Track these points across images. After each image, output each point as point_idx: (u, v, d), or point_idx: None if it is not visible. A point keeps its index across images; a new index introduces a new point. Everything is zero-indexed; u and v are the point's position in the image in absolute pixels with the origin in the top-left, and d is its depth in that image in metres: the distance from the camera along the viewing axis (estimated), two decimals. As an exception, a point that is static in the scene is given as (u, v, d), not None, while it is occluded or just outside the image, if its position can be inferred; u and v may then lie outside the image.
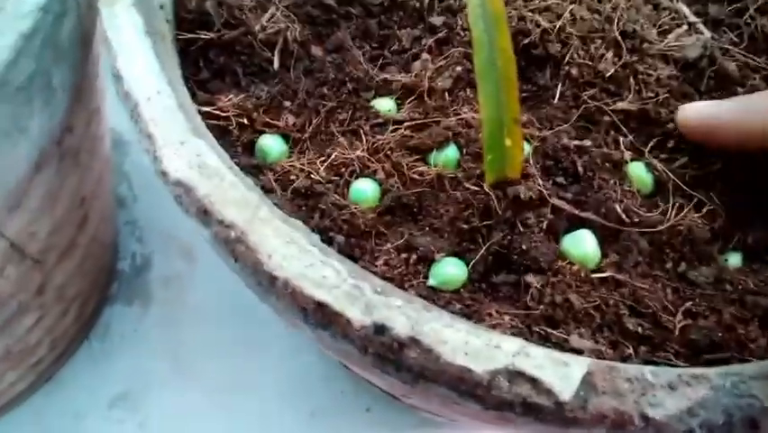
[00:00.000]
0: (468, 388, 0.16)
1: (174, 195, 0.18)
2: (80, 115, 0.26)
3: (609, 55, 0.22)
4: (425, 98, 0.22)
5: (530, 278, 0.19)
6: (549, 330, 0.17)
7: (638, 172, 0.21)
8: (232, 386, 0.38)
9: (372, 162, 0.21)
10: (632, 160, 0.22)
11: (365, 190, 0.20)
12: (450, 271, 0.19)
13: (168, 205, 0.46)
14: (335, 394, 0.39)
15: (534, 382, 0.15)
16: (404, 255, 0.19)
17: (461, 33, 0.23)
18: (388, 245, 0.19)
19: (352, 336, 0.16)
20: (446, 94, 0.22)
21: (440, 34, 0.23)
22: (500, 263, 0.19)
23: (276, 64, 0.22)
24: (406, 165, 0.21)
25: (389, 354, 0.16)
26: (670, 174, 0.21)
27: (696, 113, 0.21)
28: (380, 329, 0.16)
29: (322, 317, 0.16)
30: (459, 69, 0.22)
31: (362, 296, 0.16)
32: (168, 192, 0.45)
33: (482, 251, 0.19)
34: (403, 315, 0.16)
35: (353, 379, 0.39)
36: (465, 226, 0.20)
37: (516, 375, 0.15)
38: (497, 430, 0.24)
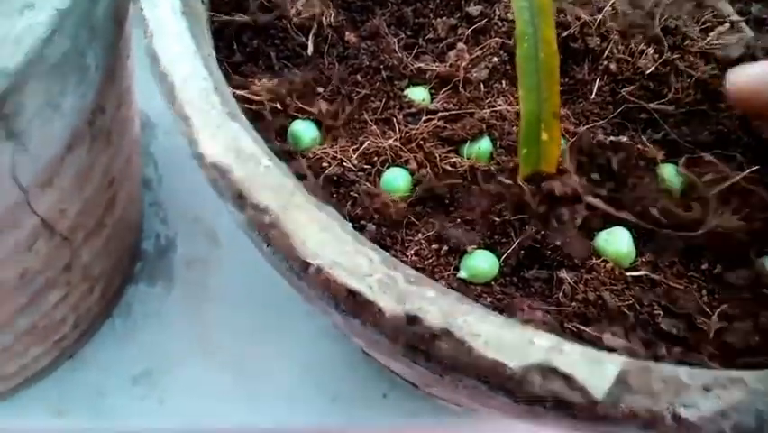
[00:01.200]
0: (499, 382, 0.15)
1: (209, 178, 0.18)
2: (112, 96, 0.26)
3: (650, 51, 0.21)
4: (460, 89, 0.22)
5: (563, 274, 0.18)
6: (582, 327, 0.17)
7: (673, 173, 0.21)
8: (252, 368, 0.38)
9: (404, 152, 0.21)
10: (667, 160, 0.21)
11: (397, 180, 0.20)
12: (481, 263, 0.19)
13: (193, 188, 0.46)
14: (355, 380, 0.39)
15: (567, 378, 0.15)
16: (435, 246, 0.19)
17: (499, 24, 0.23)
18: (420, 236, 0.19)
19: (383, 325, 0.16)
20: (482, 85, 0.22)
21: (477, 24, 0.23)
22: (533, 258, 0.19)
23: (310, 49, 0.22)
24: (439, 156, 0.20)
25: (420, 344, 0.16)
26: (706, 175, 0.21)
27: (745, 73, 0.20)
28: (413, 320, 0.16)
29: (353, 305, 0.16)
30: (495, 60, 0.22)
31: (395, 285, 0.16)
32: (196, 175, 0.46)
33: (514, 245, 0.19)
34: (436, 306, 0.16)
35: (373, 366, 0.39)
36: (497, 220, 0.19)
37: (549, 371, 0.15)
38: (521, 422, 0.24)
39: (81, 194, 0.26)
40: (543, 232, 0.19)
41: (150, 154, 0.45)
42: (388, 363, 0.21)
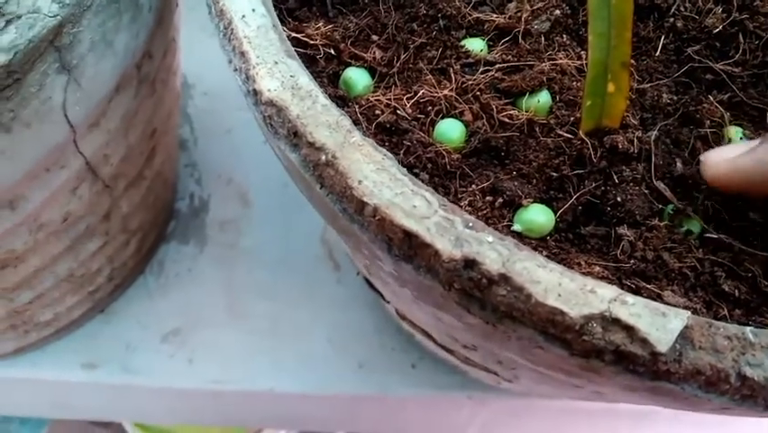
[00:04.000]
0: (557, 332, 0.15)
1: (264, 115, 0.17)
2: (159, 42, 0.26)
3: (718, 10, 0.21)
4: (520, 41, 0.21)
5: (622, 230, 0.18)
6: (641, 284, 0.17)
7: (739, 135, 0.20)
8: (281, 331, 0.38)
9: (460, 103, 0.20)
10: (732, 122, 0.20)
11: (451, 130, 0.20)
12: (537, 217, 0.18)
13: (227, 150, 0.46)
14: (384, 349, 0.38)
15: (629, 330, 0.15)
16: (489, 198, 0.19)
17: (562, -25, 0.22)
18: (473, 187, 0.19)
19: (438, 269, 0.16)
20: (542, 38, 0.21)
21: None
22: (590, 214, 0.19)
23: (366, -5, 0.22)
24: (496, 108, 0.20)
25: (476, 290, 0.15)
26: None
27: (722, 159, 0.18)
28: (470, 264, 0.15)
29: (408, 248, 0.16)
30: (557, 12, 0.21)
31: (453, 229, 0.15)
32: (231, 138, 0.45)
33: (572, 200, 0.18)
34: (494, 251, 0.15)
35: (402, 335, 0.39)
36: (555, 174, 0.19)
37: (611, 322, 0.15)
38: (567, 384, 0.23)
39: (125, 140, 0.26)
40: (603, 188, 0.18)
41: (187, 115, 0.45)
42: (434, 318, 0.20)
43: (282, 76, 0.17)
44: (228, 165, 0.44)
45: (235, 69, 0.18)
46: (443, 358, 0.36)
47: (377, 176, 0.16)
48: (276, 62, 0.17)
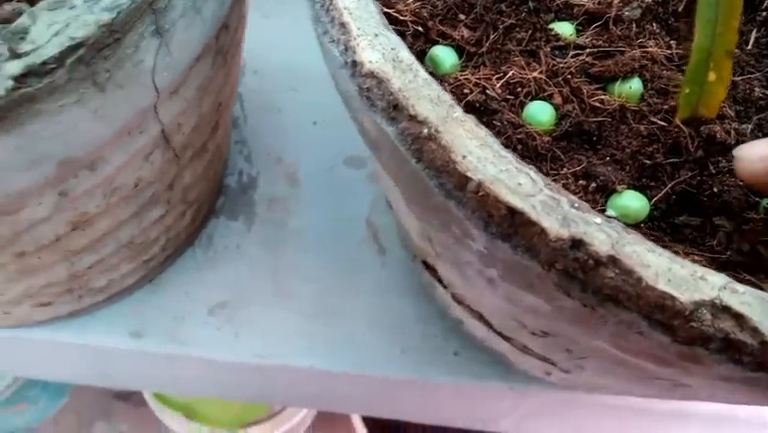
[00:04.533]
0: (665, 317, 0.15)
1: (362, 87, 0.17)
2: (236, 15, 0.26)
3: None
4: (610, 26, 0.21)
5: (719, 221, 0.17)
6: (741, 276, 0.16)
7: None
8: (325, 312, 0.38)
9: (549, 86, 0.20)
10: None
11: (541, 112, 0.20)
12: (632, 203, 0.18)
13: (276, 129, 0.46)
14: (426, 335, 0.38)
15: (739, 318, 0.14)
16: (582, 182, 0.18)
17: (656, -38, 0.21)
18: (565, 170, 0.19)
19: (539, 248, 0.16)
20: (633, 25, 0.21)
21: (630, -39, 0.22)
22: (685, 204, 0.18)
23: (456, -26, 0.21)
24: (587, 92, 0.20)
25: (580, 271, 0.15)
26: None
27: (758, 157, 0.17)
28: (577, 244, 0.15)
29: (509, 225, 0.16)
30: (649, 0, 0.21)
31: (559, 208, 0.15)
32: (280, 117, 0.46)
33: (666, 188, 0.18)
34: (603, 232, 0.15)
35: (446, 322, 0.39)
36: (648, 162, 0.19)
37: (721, 309, 0.14)
38: (630, 380, 0.23)
39: (197, 110, 0.26)
40: (698, 177, 0.18)
41: (238, 93, 0.45)
42: (508, 302, 0.20)
43: (383, 48, 0.17)
44: (277, 144, 0.44)
45: (332, 41, 0.18)
46: (488, 348, 0.36)
47: (481, 151, 0.16)
48: (376, 34, 0.17)
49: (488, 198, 0.16)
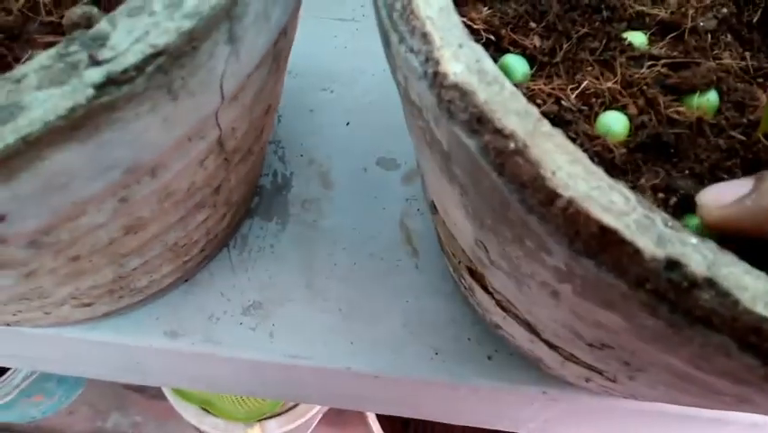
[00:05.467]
0: (758, 340, 0.15)
1: (443, 98, 0.17)
2: (294, 20, 0.25)
3: None
4: (686, 37, 0.20)
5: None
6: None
7: None
8: (358, 313, 0.38)
9: (623, 96, 0.20)
10: None
11: (615, 123, 0.19)
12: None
13: (310, 131, 0.46)
14: (459, 338, 0.38)
15: (838, 345, 0.14)
16: (661, 195, 0.18)
17: (733, -27, 0.21)
18: (643, 182, 0.18)
19: (628, 268, 0.15)
20: (708, 36, 0.20)
21: (703, -29, 0.21)
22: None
23: (527, -19, 0.21)
24: (663, 104, 0.19)
25: (672, 292, 0.15)
26: None
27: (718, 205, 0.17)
28: (673, 265, 0.15)
29: (599, 243, 0.15)
30: (725, 11, 0.21)
31: (654, 227, 0.15)
32: (314, 118, 0.45)
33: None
34: (699, 253, 0.15)
35: (479, 326, 0.39)
36: (727, 176, 0.18)
37: (820, 335, 0.14)
38: (687, 393, 0.23)
39: (250, 115, 0.26)
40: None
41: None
42: (572, 315, 0.20)
43: (467, 59, 0.17)
44: (310, 145, 0.43)
45: (410, 51, 0.18)
46: (523, 352, 0.35)
47: (571, 167, 0.16)
48: (460, 45, 0.17)
49: (578, 216, 0.15)
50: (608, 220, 0.15)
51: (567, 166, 0.16)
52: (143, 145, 0.19)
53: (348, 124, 0.44)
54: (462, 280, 0.34)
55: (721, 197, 0.18)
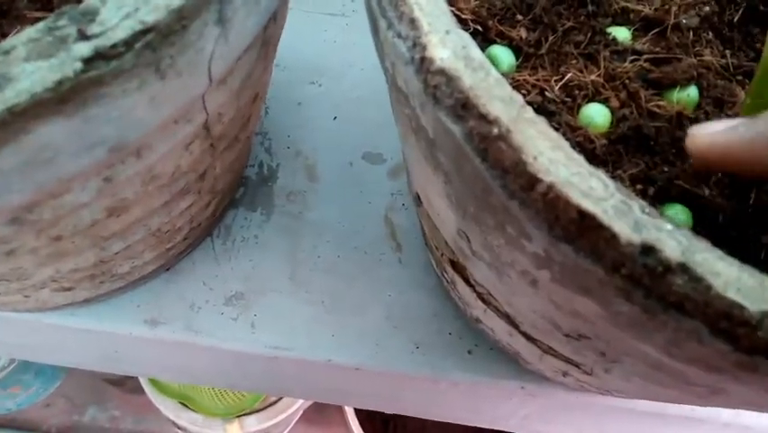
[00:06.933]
0: (730, 326, 0.15)
1: (429, 84, 0.17)
2: (283, 7, 0.26)
3: None
4: (668, 34, 0.21)
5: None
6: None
7: None
8: (341, 306, 0.38)
9: (606, 89, 0.20)
10: None
11: (597, 114, 0.20)
12: (682, 215, 0.18)
13: (297, 123, 0.46)
14: (441, 332, 0.39)
15: (807, 330, 0.15)
16: (639, 186, 0.18)
17: (714, -28, 0.22)
18: (621, 172, 0.19)
19: (605, 253, 0.16)
20: (690, 33, 0.21)
21: (687, -30, 0.22)
22: (741, 216, 0.18)
23: (515, -26, 0.21)
24: (644, 97, 0.20)
25: (647, 277, 0.15)
26: None
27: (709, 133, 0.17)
28: (648, 250, 0.15)
29: (577, 229, 0.16)
30: (707, 9, 0.21)
31: (631, 213, 0.15)
32: (301, 110, 0.45)
33: (717, 198, 0.18)
34: (674, 239, 0.15)
35: (460, 320, 0.39)
36: (708, 172, 0.19)
37: (789, 320, 0.15)
38: (660, 385, 0.23)
39: (237, 101, 0.26)
40: (755, 190, 0.18)
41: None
42: (549, 304, 0.20)
43: (454, 45, 0.17)
44: (297, 137, 0.43)
45: (398, 36, 0.18)
46: (502, 347, 0.36)
47: (552, 153, 0.16)
48: (447, 32, 0.17)
49: (558, 201, 0.16)
50: (587, 205, 0.15)
51: (548, 152, 0.16)
52: (130, 123, 0.19)
53: (335, 118, 0.45)
54: (445, 274, 0.35)
55: (712, 127, 0.17)
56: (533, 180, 0.16)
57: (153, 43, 0.17)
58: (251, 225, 0.40)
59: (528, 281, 0.21)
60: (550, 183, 0.16)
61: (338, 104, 0.45)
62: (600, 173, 0.16)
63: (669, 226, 0.15)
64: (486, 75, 0.17)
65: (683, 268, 0.15)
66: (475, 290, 0.31)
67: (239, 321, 0.37)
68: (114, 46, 0.16)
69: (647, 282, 0.15)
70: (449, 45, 0.17)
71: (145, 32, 0.16)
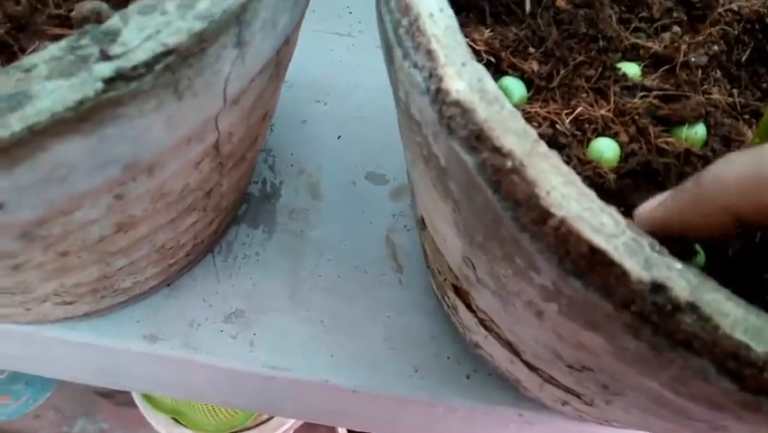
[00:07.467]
0: (736, 366, 0.15)
1: (445, 115, 0.17)
2: (297, 30, 0.26)
3: None
4: (677, 71, 0.21)
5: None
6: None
7: None
8: (340, 326, 0.38)
9: (615, 124, 0.20)
10: None
11: (607, 149, 0.20)
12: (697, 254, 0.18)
13: (300, 141, 0.46)
14: (439, 356, 0.39)
15: (813, 372, 0.15)
16: (648, 223, 0.19)
17: (723, 13, 0.22)
18: (631, 205, 0.19)
19: (615, 289, 0.16)
20: (699, 71, 0.21)
21: (696, 11, 0.22)
22: (746, 253, 0.19)
23: (528, 8, 0.22)
24: (653, 133, 0.20)
25: (656, 315, 0.15)
26: None
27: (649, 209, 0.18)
28: (658, 288, 0.15)
29: (588, 264, 0.16)
30: (715, 48, 0.21)
31: (641, 250, 0.16)
32: (305, 129, 0.46)
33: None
34: (683, 278, 0.15)
35: (459, 345, 0.39)
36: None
37: (796, 362, 0.15)
38: (660, 418, 0.23)
39: (248, 121, 0.26)
40: (761, 230, 0.18)
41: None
42: (553, 335, 0.20)
43: (470, 78, 0.17)
44: (301, 155, 0.44)
45: (414, 66, 0.18)
46: (504, 372, 0.36)
47: (564, 188, 0.16)
48: (464, 64, 0.17)
49: (569, 236, 0.16)
50: (598, 241, 0.16)
51: (561, 187, 0.16)
52: (145, 143, 0.19)
53: (339, 137, 0.45)
54: (446, 298, 0.35)
55: (648, 205, 0.18)
56: (545, 214, 0.16)
57: (173, 65, 0.17)
58: (252, 242, 0.40)
59: (534, 312, 0.21)
60: (562, 218, 0.16)
61: (343, 123, 0.45)
62: (612, 209, 0.16)
63: (679, 265, 0.15)
64: (501, 108, 0.17)
65: (692, 307, 0.15)
66: (477, 316, 0.31)
67: (238, 339, 0.37)
68: (134, 67, 0.16)
69: (656, 320, 0.15)
70: (465, 77, 0.17)
71: (166, 54, 0.17)
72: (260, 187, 0.42)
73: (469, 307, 0.31)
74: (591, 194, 0.16)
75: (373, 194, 0.43)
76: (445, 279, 0.32)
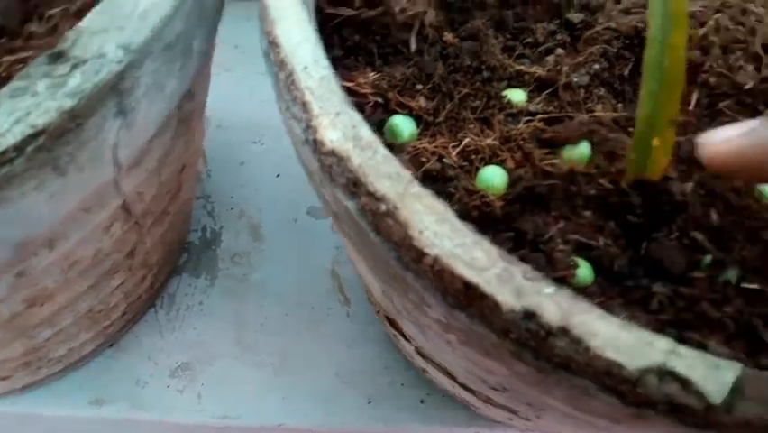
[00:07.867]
0: (613, 383, 0.15)
1: (324, 164, 0.18)
2: (200, 82, 0.26)
3: (749, 68, 0.22)
4: (560, 93, 0.22)
5: (663, 280, 0.18)
6: (686, 334, 0.17)
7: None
8: (290, 365, 0.38)
9: (502, 151, 0.21)
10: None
11: (494, 177, 0.20)
12: (581, 269, 0.19)
13: (239, 183, 0.46)
14: (393, 385, 0.39)
15: (684, 382, 0.15)
16: (538, 244, 0.19)
17: (601, 32, 0.23)
18: (517, 233, 0.19)
19: (495, 320, 0.16)
20: (581, 90, 0.22)
21: (577, 31, 0.23)
22: (632, 263, 0.19)
23: (413, 46, 0.23)
24: (538, 157, 0.21)
25: (533, 341, 0.16)
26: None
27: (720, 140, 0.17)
28: (529, 315, 0.16)
29: (466, 298, 0.16)
30: (597, 66, 0.22)
31: (512, 280, 0.16)
32: (243, 171, 0.46)
33: (612, 248, 0.19)
34: (554, 303, 0.16)
35: (411, 371, 0.39)
36: (601, 223, 0.20)
37: (666, 374, 0.15)
38: (586, 428, 0.24)
39: (159, 178, 0.26)
40: (644, 238, 0.19)
41: (201, 148, 0.45)
42: (469, 362, 0.21)
43: (344, 126, 0.18)
44: (240, 198, 0.44)
45: (293, 118, 0.19)
46: (453, 394, 0.36)
47: (438, 227, 0.17)
48: (338, 113, 0.18)
49: (443, 273, 0.16)
50: (470, 276, 0.16)
51: (434, 225, 0.17)
52: (32, 221, 0.19)
53: (278, 175, 0.45)
54: (387, 328, 0.35)
55: (723, 133, 0.17)
56: (420, 254, 0.16)
57: (46, 145, 0.17)
58: (195, 291, 0.40)
59: (445, 342, 0.22)
60: (435, 256, 0.16)
61: (280, 161, 0.46)
62: (485, 242, 0.16)
63: (550, 289, 0.16)
64: (374, 153, 0.17)
65: (563, 331, 0.15)
66: (412, 345, 0.31)
67: (185, 393, 0.37)
68: (4, 152, 0.16)
69: (533, 345, 0.16)
70: (339, 126, 0.18)
71: (36, 135, 0.17)
72: (201, 234, 0.42)
73: (404, 336, 0.31)
74: (464, 229, 0.17)
75: (315, 228, 0.43)
76: (378, 311, 0.32)
